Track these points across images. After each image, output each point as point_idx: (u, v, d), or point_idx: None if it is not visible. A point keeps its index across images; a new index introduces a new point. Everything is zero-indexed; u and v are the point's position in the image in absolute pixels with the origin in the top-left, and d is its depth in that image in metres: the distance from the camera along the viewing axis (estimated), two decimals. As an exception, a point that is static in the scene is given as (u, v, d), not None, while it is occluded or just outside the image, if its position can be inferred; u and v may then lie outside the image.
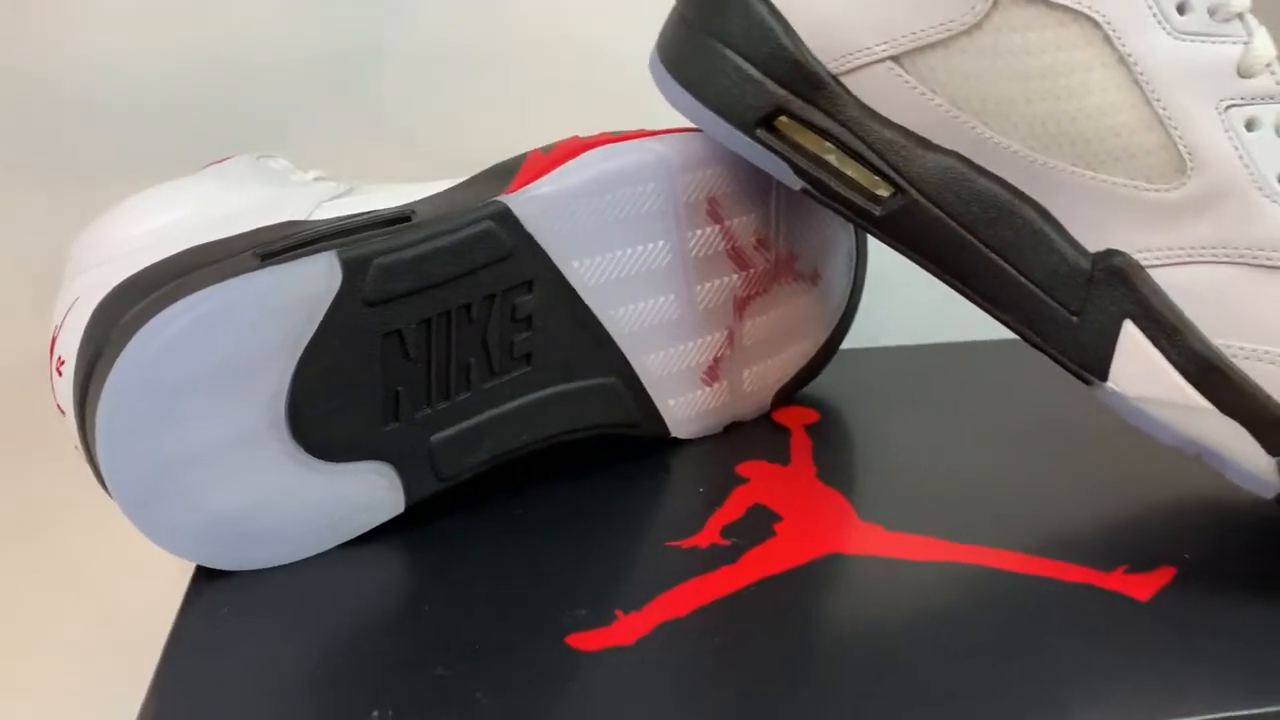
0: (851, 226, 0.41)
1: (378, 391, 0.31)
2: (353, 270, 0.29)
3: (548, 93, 0.52)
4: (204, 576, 0.30)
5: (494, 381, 0.33)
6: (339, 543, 0.32)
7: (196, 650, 0.27)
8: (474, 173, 0.36)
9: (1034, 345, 0.32)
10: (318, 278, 0.29)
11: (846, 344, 0.43)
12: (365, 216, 0.32)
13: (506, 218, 0.32)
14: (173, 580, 0.32)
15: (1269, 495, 0.29)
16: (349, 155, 0.54)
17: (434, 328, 0.32)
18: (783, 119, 0.34)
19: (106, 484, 0.28)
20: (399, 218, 0.32)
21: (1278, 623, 0.28)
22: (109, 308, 0.29)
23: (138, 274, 0.30)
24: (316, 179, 0.39)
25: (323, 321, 0.29)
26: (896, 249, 0.34)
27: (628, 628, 0.28)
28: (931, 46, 0.31)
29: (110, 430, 0.27)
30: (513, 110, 0.52)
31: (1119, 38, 0.29)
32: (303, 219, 0.32)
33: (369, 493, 0.32)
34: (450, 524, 0.33)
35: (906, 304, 0.46)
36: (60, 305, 0.33)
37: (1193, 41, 0.29)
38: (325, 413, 0.30)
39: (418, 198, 0.34)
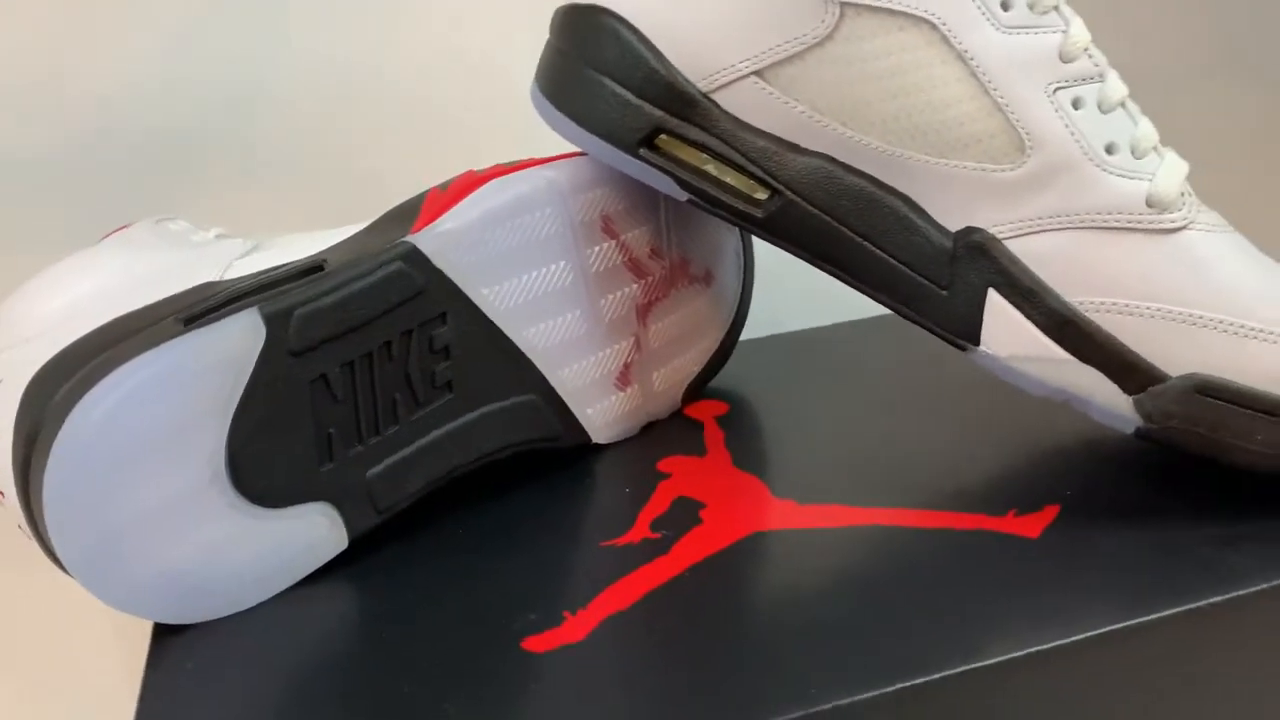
0: (737, 228, 0.44)
1: (311, 435, 0.32)
2: (275, 324, 0.31)
3: (434, 129, 0.53)
4: (164, 633, 0.31)
5: (420, 412, 0.35)
6: (290, 584, 0.33)
7: (168, 710, 0.28)
8: (369, 215, 0.37)
9: (911, 320, 0.35)
10: (242, 335, 0.30)
11: (744, 335, 0.46)
12: (279, 270, 0.33)
13: (415, 256, 0.34)
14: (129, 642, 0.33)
15: (1130, 430, 0.33)
16: (242, 207, 0.55)
17: (357, 368, 0.33)
18: (663, 137, 0.36)
19: (59, 558, 0.29)
20: (312, 268, 0.33)
21: (1151, 543, 0.32)
22: (40, 387, 0.30)
23: (64, 351, 0.31)
24: (218, 236, 0.40)
25: (251, 376, 0.30)
26: (779, 246, 0.37)
27: (576, 626, 0.30)
28: (789, 59, 0.34)
29: (57, 507, 0.28)
30: (399, 149, 0.54)
31: (954, 36, 0.32)
32: (218, 279, 0.34)
33: (313, 533, 0.33)
34: (392, 551, 0.35)
35: (794, 292, 0.49)
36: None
37: (1018, 34, 0.32)
38: (264, 462, 0.31)
39: (324, 246, 0.36)
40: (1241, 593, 0.30)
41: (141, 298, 0.33)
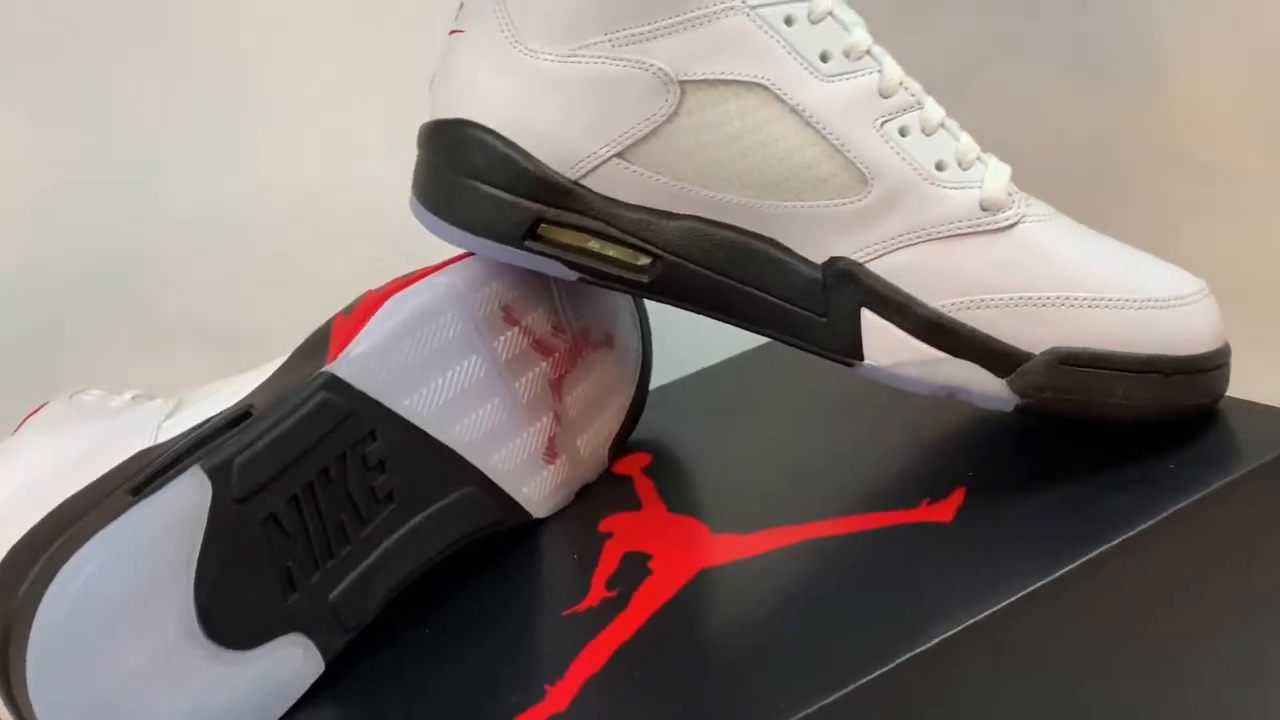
0: (626, 290, 0.47)
1: (271, 572, 0.34)
2: (218, 477, 0.32)
3: (319, 254, 0.55)
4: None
5: (368, 528, 0.37)
6: (281, 716, 0.34)
7: None
8: (257, 361, 0.39)
9: (800, 348, 0.39)
10: (190, 494, 0.32)
11: (651, 385, 0.49)
12: (210, 424, 0.35)
13: (335, 384, 0.36)
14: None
15: (1011, 409, 0.37)
16: (143, 364, 0.56)
17: (302, 500, 0.35)
18: (543, 226, 0.39)
19: None
20: (241, 415, 0.35)
21: (1051, 504, 0.36)
22: (3, 575, 0.31)
23: (20, 541, 0.32)
24: (134, 399, 0.41)
25: (206, 530, 0.32)
26: (669, 304, 0.40)
27: (558, 696, 0.32)
28: (645, 138, 0.37)
29: (41, 694, 0.29)
30: (288, 281, 0.55)
31: (784, 94, 0.36)
32: (152, 444, 0.35)
33: (290, 665, 0.35)
34: (366, 664, 0.36)
35: (688, 335, 0.52)
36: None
37: (839, 81, 0.36)
38: (232, 607, 0.33)
39: (245, 393, 0.37)
40: (1137, 530, 0.33)
41: (81, 477, 0.34)
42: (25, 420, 0.41)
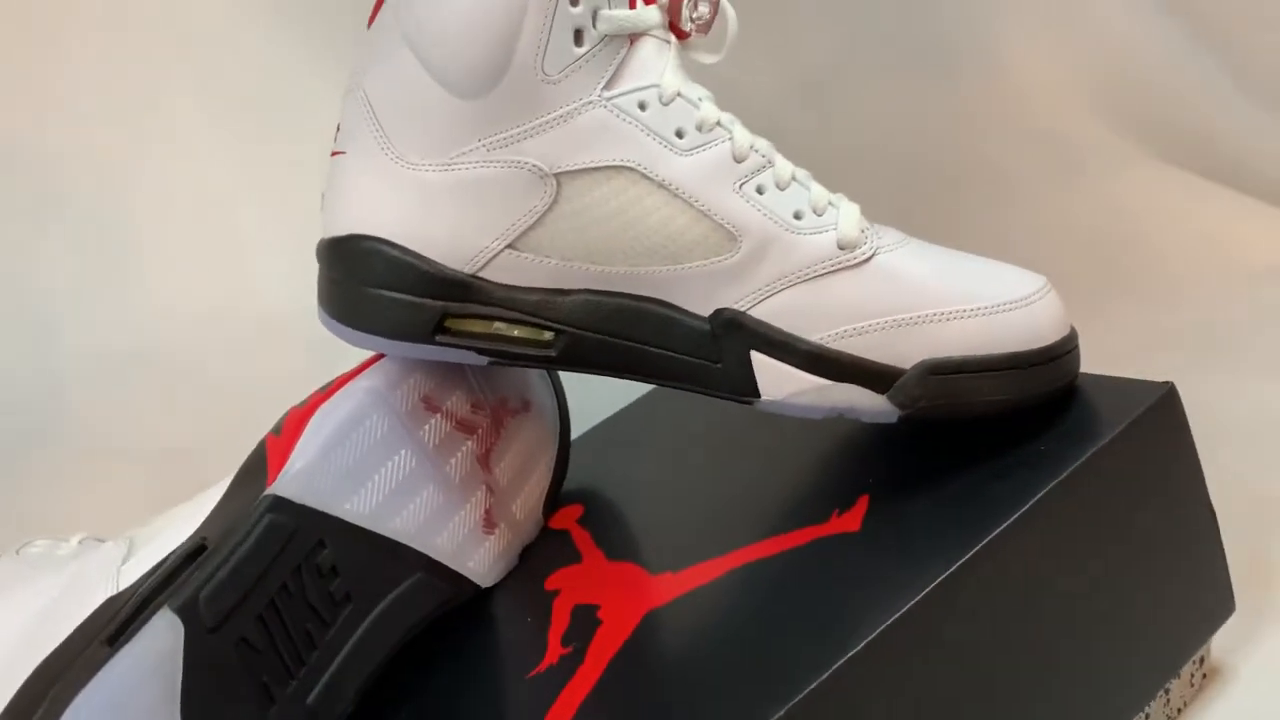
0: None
1: (249, 690, 0.36)
2: (187, 613, 0.34)
3: (231, 368, 0.57)
4: None
5: (331, 631, 0.39)
6: (279, 824, 0.36)
7: None
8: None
9: (702, 393, 0.42)
10: (164, 634, 0.34)
11: (574, 437, 0.52)
12: (169, 563, 0.37)
13: (280, 504, 0.38)
14: None
15: (895, 420, 0.41)
16: (66, 491, 0.57)
17: (267, 618, 0.37)
18: (450, 320, 0.42)
19: None
20: (197, 550, 0.37)
21: (947, 495, 0.39)
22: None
23: (6, 710, 0.33)
24: (81, 543, 0.43)
25: (184, 665, 0.34)
26: (578, 371, 0.43)
27: (536, 755, 0.35)
28: (531, 228, 0.40)
29: None
30: (204, 396, 0.57)
31: (650, 171, 0.40)
32: (116, 592, 0.37)
33: (280, 772, 0.37)
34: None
35: (596, 385, 0.55)
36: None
37: (696, 153, 0.40)
38: (219, 731, 0.35)
39: (193, 526, 0.39)
40: (1024, 508, 0.37)
41: (51, 634, 0.36)
42: (-24, 581, 0.42)
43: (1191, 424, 0.42)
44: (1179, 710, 0.44)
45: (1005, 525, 0.37)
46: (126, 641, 0.33)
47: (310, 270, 0.45)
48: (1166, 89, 0.80)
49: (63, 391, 0.58)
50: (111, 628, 0.34)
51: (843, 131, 0.80)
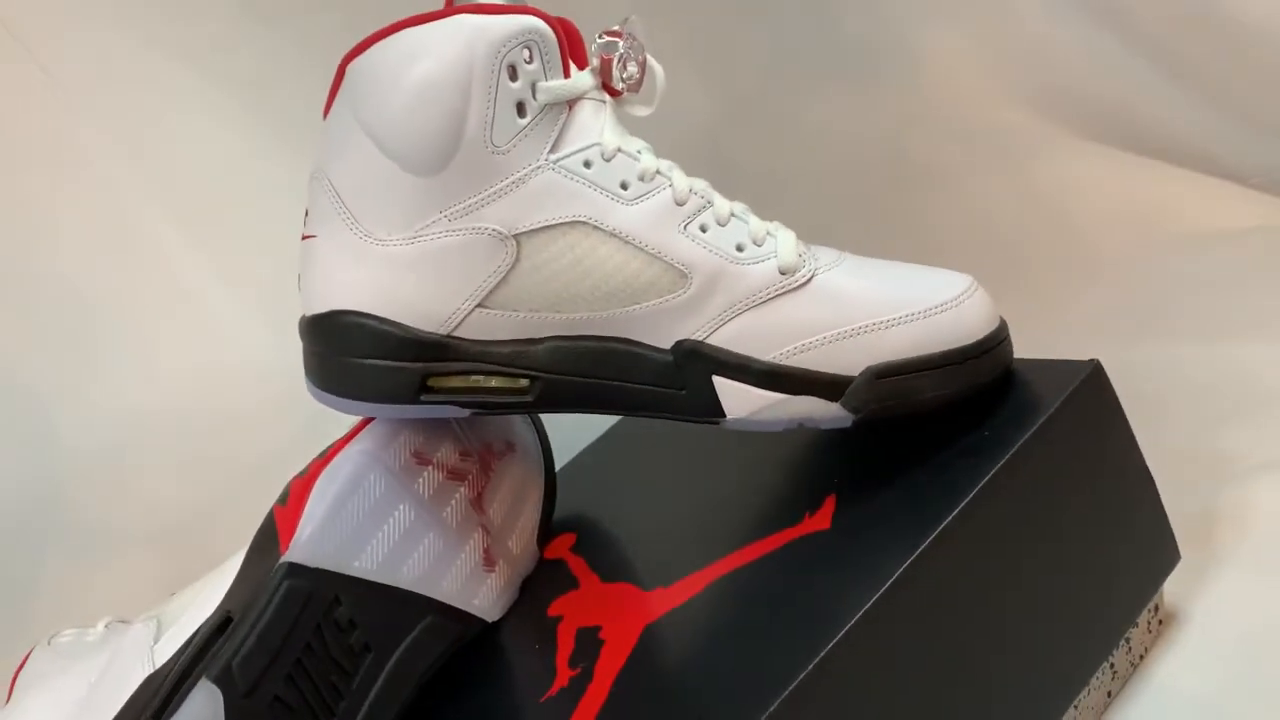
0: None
1: (288, 745, 0.39)
2: (223, 681, 0.37)
3: (230, 442, 0.60)
4: None
5: (356, 680, 0.42)
6: None
7: None
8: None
9: (671, 419, 0.45)
10: (205, 703, 0.37)
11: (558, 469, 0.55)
12: (198, 638, 0.39)
13: (295, 570, 0.41)
14: None
15: (849, 424, 0.44)
16: (82, 577, 0.60)
17: (296, 676, 0.40)
18: (432, 379, 0.45)
19: None
20: (224, 622, 0.40)
21: (909, 483, 0.43)
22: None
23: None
24: (108, 627, 0.46)
25: (226, 729, 0.37)
26: (556, 412, 0.46)
27: (557, 771, 0.38)
28: (497, 286, 0.43)
29: None
30: (204, 473, 0.60)
31: (601, 223, 0.43)
32: (152, 669, 0.40)
33: (323, 816, 0.40)
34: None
35: (573, 421, 0.59)
36: None
37: (641, 202, 0.43)
38: (264, 788, 0.38)
39: (215, 600, 0.42)
40: (976, 490, 0.41)
41: (96, 714, 0.39)
42: (14, 681, 0.45)
43: (1129, 390, 0.45)
44: (1140, 657, 0.48)
45: (960, 507, 0.40)
46: (172, 714, 0.36)
47: (286, 346, 0.48)
48: (1078, 71, 0.85)
49: (62, 485, 0.61)
50: (156, 703, 0.37)
51: (777, 143, 0.84)
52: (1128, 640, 0.47)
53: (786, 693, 0.36)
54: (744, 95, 0.81)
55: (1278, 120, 0.78)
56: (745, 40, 0.83)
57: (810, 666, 0.37)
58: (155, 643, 0.41)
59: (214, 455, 0.60)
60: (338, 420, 0.48)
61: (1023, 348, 0.47)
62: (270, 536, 0.43)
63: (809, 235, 0.46)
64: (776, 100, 0.82)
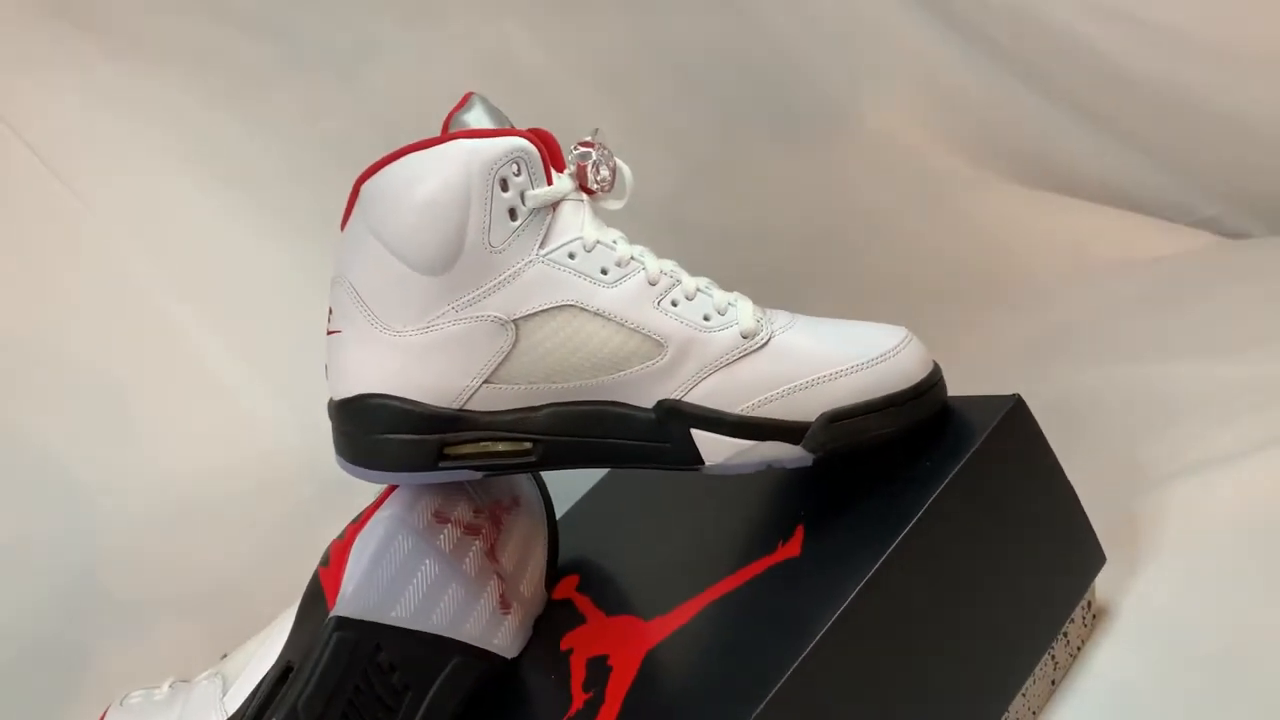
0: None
1: (347, 776, 0.45)
2: (291, 720, 0.44)
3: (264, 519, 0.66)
4: None
5: (399, 715, 0.49)
6: None
7: None
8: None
9: (656, 469, 0.52)
10: (279, 744, 0.43)
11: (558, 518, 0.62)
12: (265, 685, 0.46)
13: (343, 623, 0.47)
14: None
15: (810, 463, 0.51)
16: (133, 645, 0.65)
17: (349, 715, 0.46)
18: (448, 448, 0.51)
19: None
20: (286, 671, 0.46)
21: (868, 509, 0.49)
22: None
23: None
24: (172, 686, 0.52)
25: (298, 763, 0.43)
26: (557, 469, 0.53)
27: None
28: (501, 364, 0.50)
29: None
30: (243, 545, 0.66)
31: (586, 305, 0.50)
32: (226, 717, 0.46)
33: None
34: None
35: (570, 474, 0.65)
36: None
37: (620, 284, 0.50)
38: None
39: (273, 654, 0.48)
40: (921, 512, 0.47)
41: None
42: (95, 733, 0.51)
43: (1055, 410, 0.52)
44: (1079, 648, 0.55)
45: (909, 528, 0.47)
46: (250, 754, 0.43)
47: (305, 423, 0.55)
48: (1002, 118, 0.93)
49: (104, 561, 0.66)
50: (235, 748, 0.43)
51: (731, 203, 0.91)
52: (1065, 634, 0.53)
53: (771, 694, 0.42)
54: (699, 164, 0.89)
55: (1183, 160, 0.86)
56: (697, 112, 0.91)
57: (790, 670, 0.43)
58: (224, 695, 0.47)
59: (243, 527, 0.67)
60: (354, 490, 0.54)
61: (959, 377, 0.54)
62: (317, 594, 0.49)
63: (766, 284, 0.53)
64: (728, 166, 0.90)
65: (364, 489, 0.55)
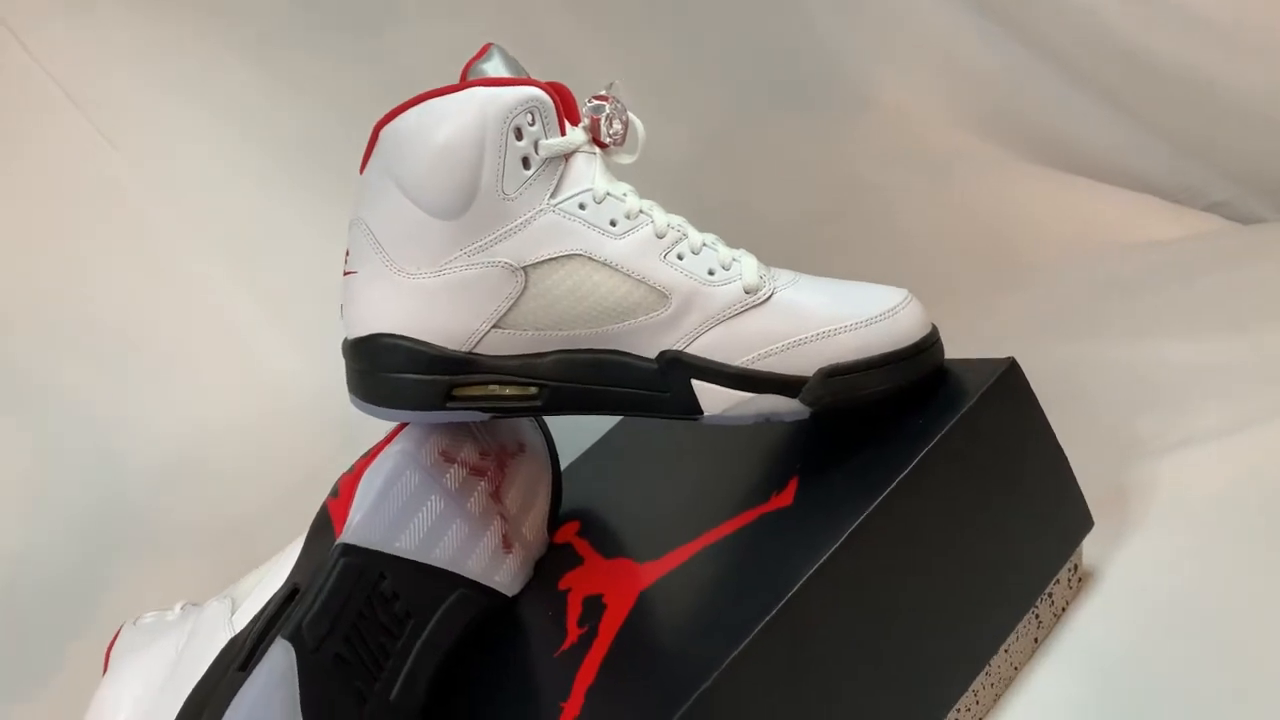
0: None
1: (348, 692, 0.47)
2: (295, 639, 0.46)
3: (279, 453, 0.68)
4: None
5: (400, 642, 0.51)
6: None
7: None
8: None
9: (656, 417, 0.54)
10: (281, 657, 0.45)
11: (562, 467, 0.64)
12: (272, 605, 0.48)
13: (350, 549, 0.49)
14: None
15: (807, 417, 0.53)
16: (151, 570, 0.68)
17: (352, 637, 0.48)
18: (456, 389, 0.53)
19: None
20: (292, 593, 0.48)
21: (861, 462, 0.51)
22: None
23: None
24: (182, 608, 0.54)
25: (299, 678, 0.45)
26: (561, 414, 0.55)
27: (571, 708, 0.47)
28: (510, 310, 0.52)
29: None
30: (257, 481, 0.68)
31: (594, 255, 0.51)
32: (233, 634, 0.48)
33: (378, 753, 0.48)
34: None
35: (577, 422, 0.67)
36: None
37: (628, 236, 0.52)
38: (330, 726, 0.46)
39: (281, 577, 0.50)
40: (910, 467, 0.49)
41: (188, 675, 0.47)
42: (109, 655, 0.53)
43: (1055, 382, 0.53)
44: (1062, 609, 0.56)
45: (897, 482, 0.48)
46: (255, 664, 0.45)
47: (320, 369, 0.57)
48: (1017, 98, 0.94)
49: (125, 496, 0.69)
50: (241, 657, 0.45)
51: (742, 173, 0.92)
52: (1050, 595, 0.55)
53: (754, 633, 0.44)
54: (712, 133, 0.90)
55: (1198, 144, 0.87)
56: (712, 83, 0.92)
57: (774, 612, 0.45)
58: (232, 615, 0.49)
59: (257, 464, 0.69)
60: (365, 429, 0.56)
61: (957, 348, 0.55)
62: (325, 523, 0.51)
63: (774, 252, 0.54)
64: (740, 136, 0.91)
65: (374, 430, 0.57)
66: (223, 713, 0.43)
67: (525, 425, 0.62)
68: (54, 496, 0.66)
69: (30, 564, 0.64)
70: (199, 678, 0.46)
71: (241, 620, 0.49)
